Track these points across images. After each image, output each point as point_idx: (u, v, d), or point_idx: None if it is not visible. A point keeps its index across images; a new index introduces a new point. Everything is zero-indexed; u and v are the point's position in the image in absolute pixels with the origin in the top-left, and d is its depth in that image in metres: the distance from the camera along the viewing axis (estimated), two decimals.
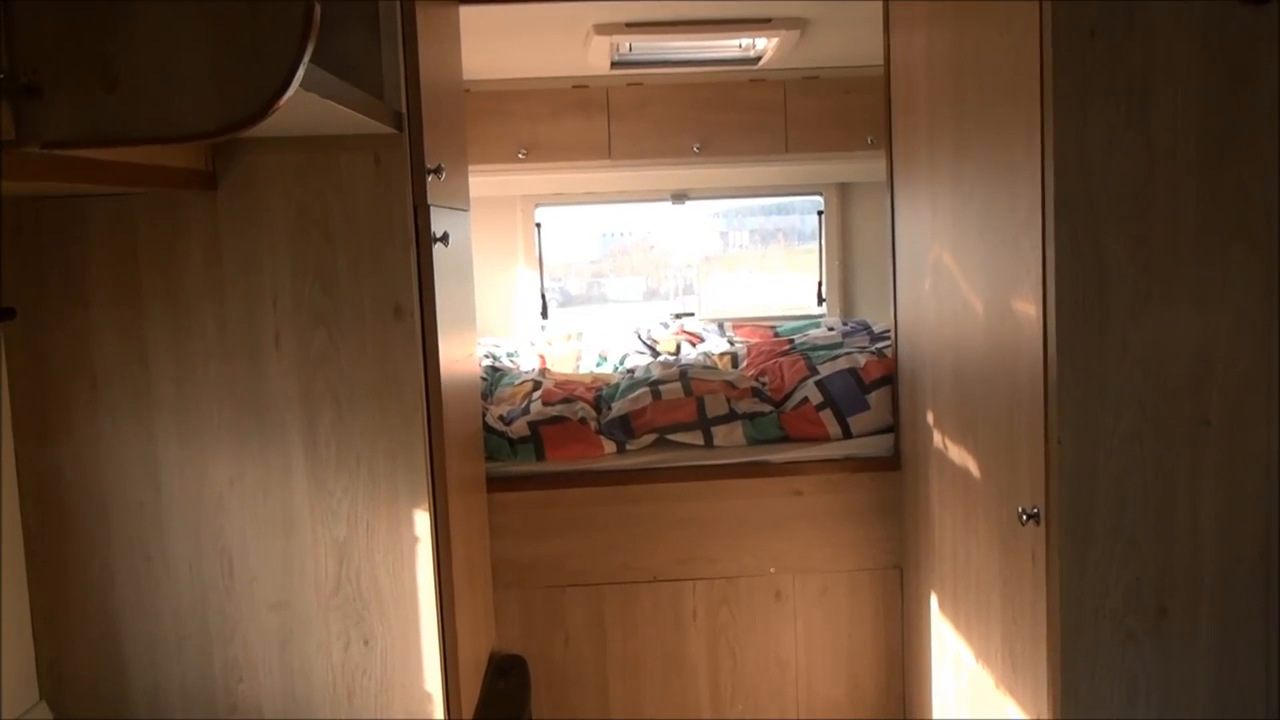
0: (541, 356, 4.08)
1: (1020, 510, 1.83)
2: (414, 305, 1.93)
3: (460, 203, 2.40)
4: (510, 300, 4.67)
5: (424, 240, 1.98)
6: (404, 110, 1.93)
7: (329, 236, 1.91)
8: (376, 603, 1.98)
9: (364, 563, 1.97)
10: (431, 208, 2.00)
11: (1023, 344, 1.85)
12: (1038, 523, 1.80)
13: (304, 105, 1.43)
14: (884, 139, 2.80)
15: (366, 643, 1.98)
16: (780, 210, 5.14)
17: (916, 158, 2.52)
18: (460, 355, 2.32)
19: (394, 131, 1.88)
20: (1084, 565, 1.74)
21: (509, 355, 4.06)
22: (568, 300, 5.04)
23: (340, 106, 1.51)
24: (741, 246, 5.24)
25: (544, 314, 4.71)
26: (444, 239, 2.06)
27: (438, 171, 2.02)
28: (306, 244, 1.91)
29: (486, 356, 3.89)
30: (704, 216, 5.09)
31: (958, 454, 2.29)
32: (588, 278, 5.19)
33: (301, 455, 1.95)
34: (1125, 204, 1.69)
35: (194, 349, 1.92)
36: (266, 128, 1.79)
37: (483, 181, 4.19)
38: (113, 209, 1.89)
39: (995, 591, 2.05)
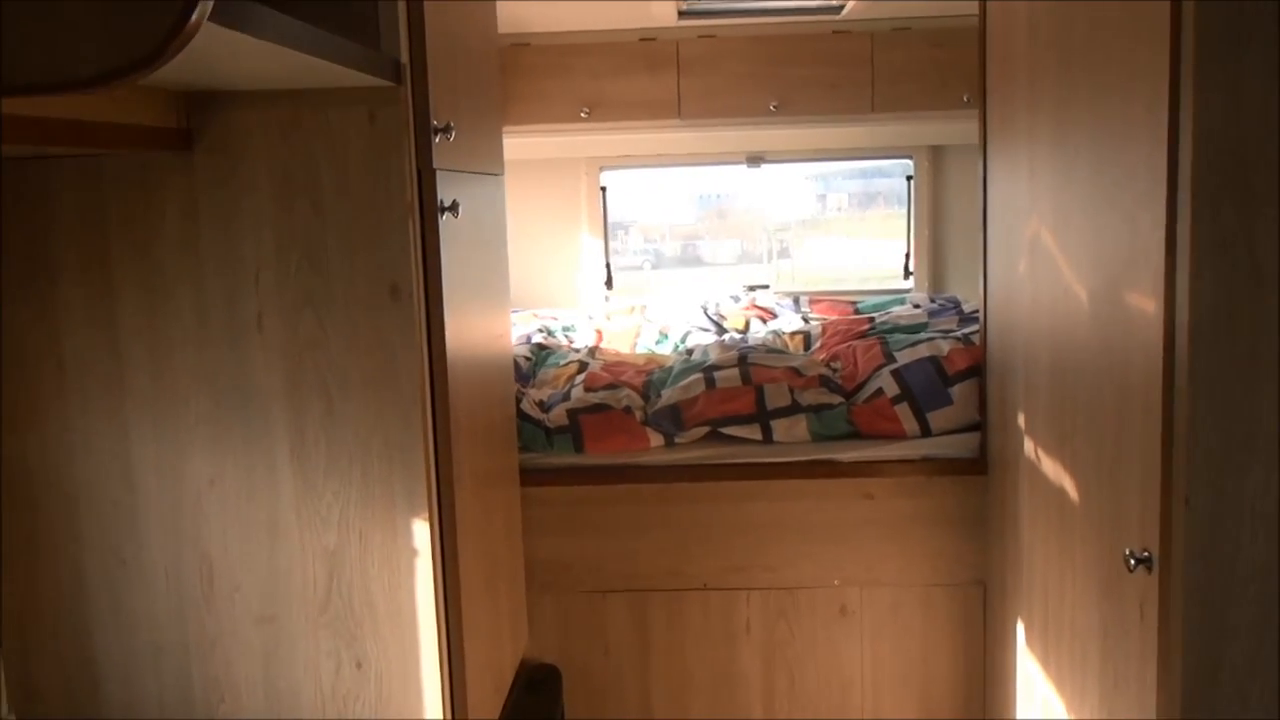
0: (599, 332, 3.83)
1: (1128, 552, 1.50)
2: (413, 284, 1.68)
3: (485, 166, 2.14)
4: (573, 269, 4.42)
5: (428, 210, 1.73)
6: (406, 60, 1.67)
7: (317, 205, 1.67)
8: (370, 621, 1.75)
9: (356, 576, 1.75)
10: (438, 172, 1.74)
11: (1136, 347, 1.50)
12: (1149, 569, 1.46)
13: (260, 54, 1.19)
14: (978, 97, 2.45)
15: (359, 665, 1.77)
16: (881, 173, 4.92)
17: (1014, 118, 2.16)
18: (483, 337, 2.08)
19: (391, 84, 1.62)
20: (1211, 634, 1.40)
21: (565, 330, 3.82)
22: (661, 262, 4.97)
23: (293, 52, 1.25)
24: (840, 210, 5.07)
25: (609, 284, 4.45)
26: (453, 208, 1.81)
27: (446, 131, 1.76)
28: (292, 213, 1.67)
29: (540, 330, 3.67)
30: (799, 179, 4.89)
31: (1052, 468, 1.95)
32: (681, 240, 5.13)
33: (287, 453, 1.72)
34: None
35: (169, 332, 1.71)
36: (235, 79, 1.56)
37: (543, 142, 3.97)
38: (81, 174, 1.68)
39: (1093, 642, 1.72)
